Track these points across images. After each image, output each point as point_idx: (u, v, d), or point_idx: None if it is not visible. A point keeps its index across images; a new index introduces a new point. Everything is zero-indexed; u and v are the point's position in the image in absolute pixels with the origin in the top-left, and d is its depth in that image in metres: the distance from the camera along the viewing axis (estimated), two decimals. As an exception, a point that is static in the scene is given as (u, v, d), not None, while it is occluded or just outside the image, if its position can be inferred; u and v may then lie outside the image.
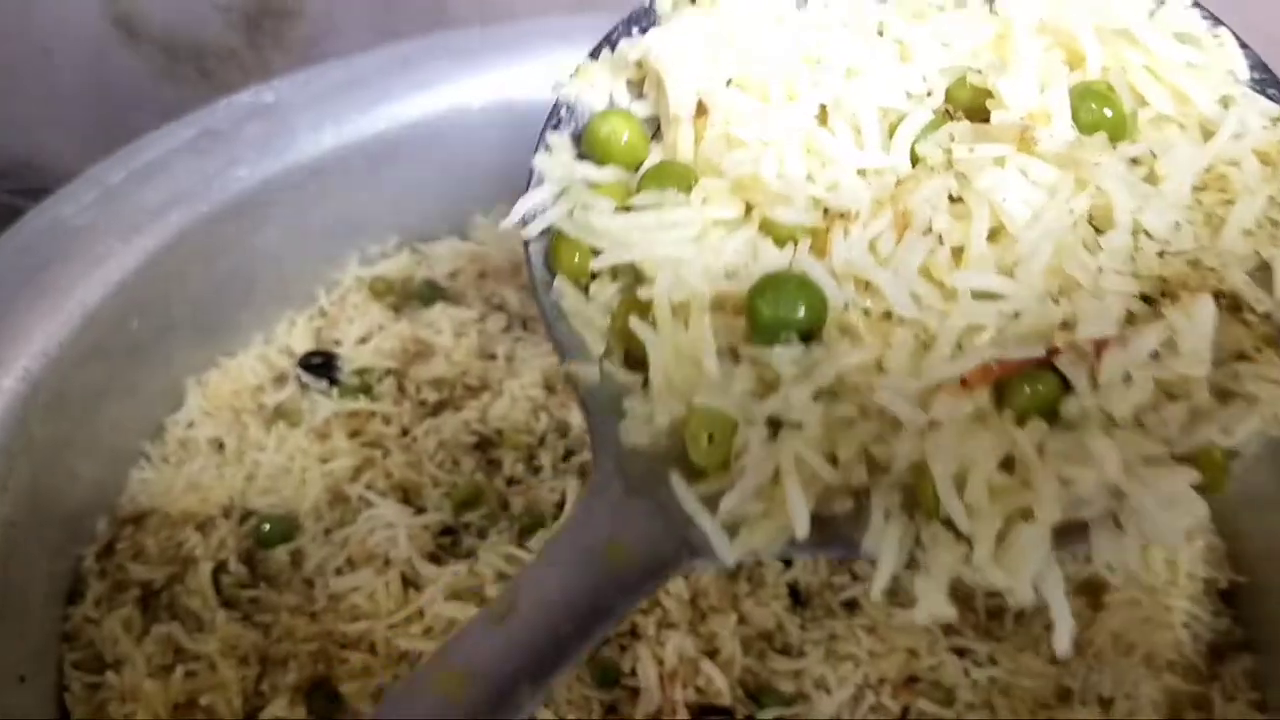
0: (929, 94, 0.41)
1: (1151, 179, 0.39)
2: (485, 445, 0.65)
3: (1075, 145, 0.38)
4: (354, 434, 0.66)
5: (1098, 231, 0.38)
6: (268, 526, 0.61)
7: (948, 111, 0.41)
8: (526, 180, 0.43)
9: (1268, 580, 0.61)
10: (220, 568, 0.60)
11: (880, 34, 0.43)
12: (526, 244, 0.42)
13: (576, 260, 0.41)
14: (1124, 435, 0.34)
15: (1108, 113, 0.39)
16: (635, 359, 0.39)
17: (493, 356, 0.69)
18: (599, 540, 0.36)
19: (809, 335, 0.37)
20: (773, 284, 0.37)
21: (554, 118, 0.44)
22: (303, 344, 0.70)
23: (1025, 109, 0.39)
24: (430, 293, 0.73)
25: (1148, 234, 0.38)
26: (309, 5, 0.89)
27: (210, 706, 0.55)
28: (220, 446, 0.66)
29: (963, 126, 0.40)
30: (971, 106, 0.41)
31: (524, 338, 0.70)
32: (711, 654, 0.56)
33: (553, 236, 0.42)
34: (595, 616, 0.35)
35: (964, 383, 0.35)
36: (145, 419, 0.66)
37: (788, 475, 0.35)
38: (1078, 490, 0.33)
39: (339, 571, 0.59)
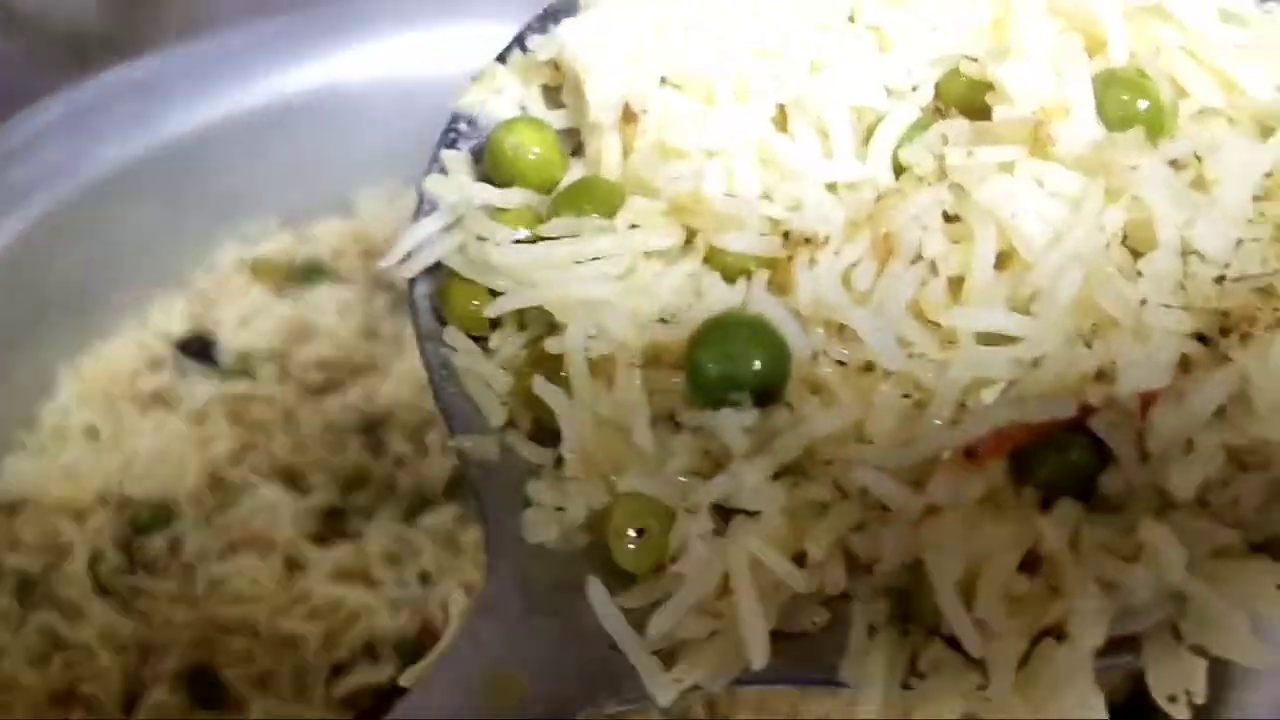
0: (914, 89, 0.38)
1: (1199, 185, 0.34)
2: (371, 426, 0.67)
3: (1103, 145, 0.34)
4: (235, 417, 0.68)
5: (1136, 254, 0.33)
6: (144, 513, 0.64)
7: (938, 109, 0.37)
8: (416, 208, 0.38)
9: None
10: (97, 556, 0.63)
11: (851, 20, 0.39)
12: (411, 284, 0.37)
13: (472, 305, 0.36)
14: (1184, 519, 0.29)
15: (1141, 104, 0.34)
16: (546, 430, 0.34)
17: (378, 336, 0.71)
18: (484, 674, 0.30)
19: (767, 395, 0.32)
20: (720, 330, 0.33)
21: (450, 133, 0.39)
22: (180, 327, 0.72)
23: (1037, 102, 0.34)
24: (313, 272, 0.75)
25: (1200, 255, 0.33)
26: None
27: (90, 695, 0.58)
28: (95, 434, 0.68)
29: (958, 125, 0.36)
30: (968, 103, 0.37)
31: (410, 316, 0.73)
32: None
33: (444, 276, 0.37)
34: None
35: (970, 454, 0.30)
36: (17, 407, 0.67)
37: (740, 581, 0.30)
38: (1125, 597, 0.28)
39: (220, 556, 0.62)
